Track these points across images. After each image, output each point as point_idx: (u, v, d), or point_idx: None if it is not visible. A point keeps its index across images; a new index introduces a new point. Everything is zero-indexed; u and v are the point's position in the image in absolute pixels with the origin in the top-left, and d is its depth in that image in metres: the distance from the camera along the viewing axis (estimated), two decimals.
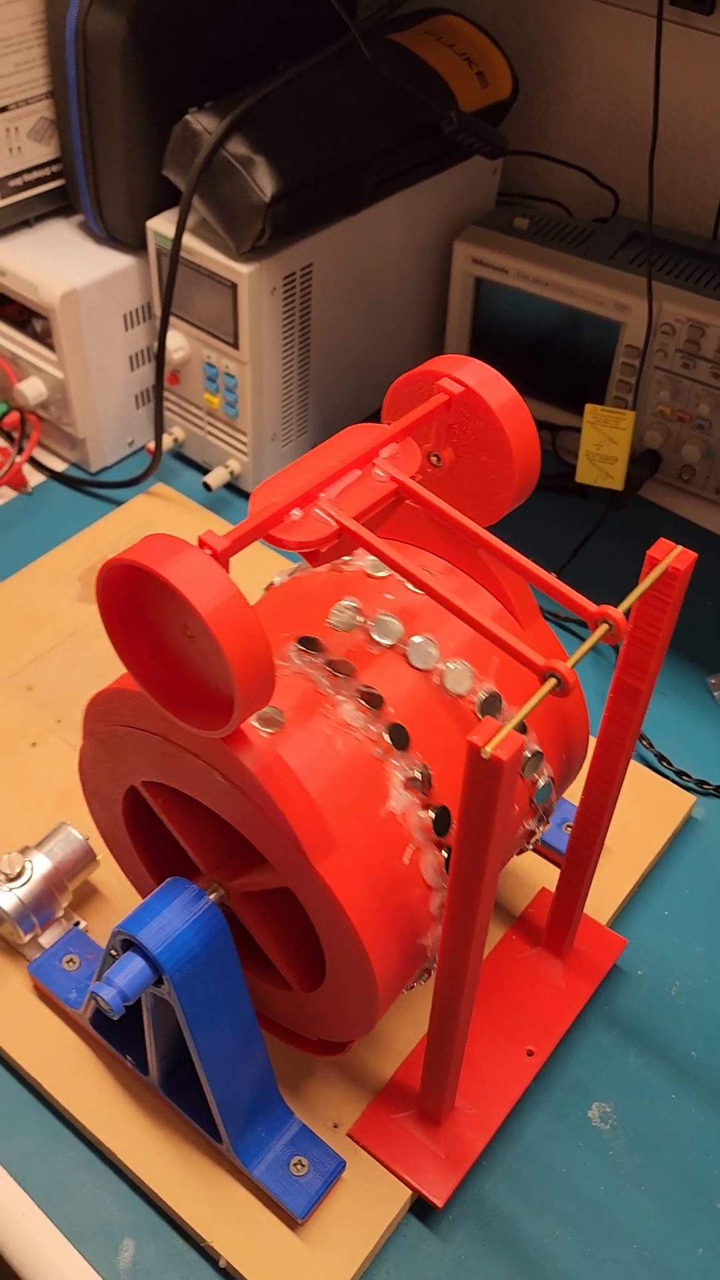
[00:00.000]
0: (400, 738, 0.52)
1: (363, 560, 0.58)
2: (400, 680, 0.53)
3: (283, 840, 0.48)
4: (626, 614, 0.45)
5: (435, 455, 0.55)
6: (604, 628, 0.44)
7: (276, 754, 0.47)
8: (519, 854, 0.60)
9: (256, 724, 0.50)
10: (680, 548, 0.47)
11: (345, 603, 0.55)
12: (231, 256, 0.86)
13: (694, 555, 0.47)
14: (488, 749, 0.39)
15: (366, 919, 0.48)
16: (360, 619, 0.55)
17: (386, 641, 0.54)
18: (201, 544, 0.44)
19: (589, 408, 0.90)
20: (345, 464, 0.49)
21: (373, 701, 0.52)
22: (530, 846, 0.60)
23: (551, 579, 0.47)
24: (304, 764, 0.50)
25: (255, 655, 0.42)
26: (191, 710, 0.46)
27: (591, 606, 0.45)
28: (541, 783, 0.56)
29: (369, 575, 0.57)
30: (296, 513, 0.47)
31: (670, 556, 0.47)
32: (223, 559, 0.44)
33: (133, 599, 0.45)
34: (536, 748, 0.55)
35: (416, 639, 0.54)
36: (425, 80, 0.92)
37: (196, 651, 0.44)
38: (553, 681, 0.42)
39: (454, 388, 0.52)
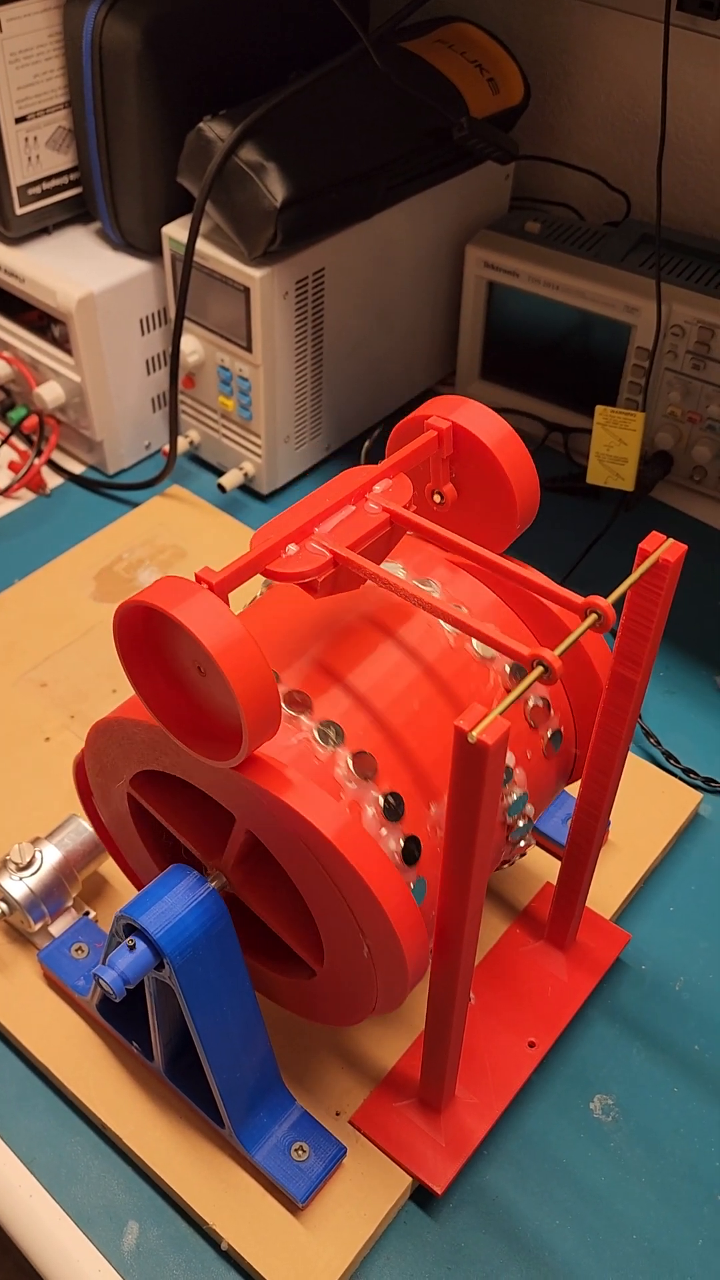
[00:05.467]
0: (367, 767, 0.52)
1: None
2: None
3: (289, 824, 0.49)
4: (617, 605, 0.46)
5: (438, 493, 0.56)
6: (592, 618, 0.45)
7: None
8: (499, 867, 0.61)
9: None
10: (671, 540, 0.48)
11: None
12: (244, 261, 0.87)
13: (684, 548, 0.48)
14: (474, 734, 0.40)
15: (382, 885, 0.49)
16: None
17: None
18: (198, 579, 0.46)
19: (599, 409, 0.91)
20: (338, 500, 0.51)
21: (331, 738, 0.52)
22: (513, 860, 0.60)
23: (538, 576, 0.48)
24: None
25: (262, 690, 0.44)
26: (202, 741, 0.48)
27: (578, 599, 0.46)
28: (513, 798, 0.56)
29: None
30: (293, 548, 0.49)
31: (661, 549, 0.48)
32: (219, 591, 0.46)
33: (148, 637, 0.47)
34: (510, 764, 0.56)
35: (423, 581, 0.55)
36: (437, 87, 0.93)
37: (207, 686, 0.46)
38: (540, 669, 0.43)
39: (441, 424, 0.54)
